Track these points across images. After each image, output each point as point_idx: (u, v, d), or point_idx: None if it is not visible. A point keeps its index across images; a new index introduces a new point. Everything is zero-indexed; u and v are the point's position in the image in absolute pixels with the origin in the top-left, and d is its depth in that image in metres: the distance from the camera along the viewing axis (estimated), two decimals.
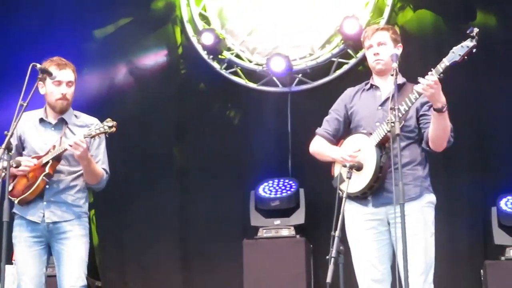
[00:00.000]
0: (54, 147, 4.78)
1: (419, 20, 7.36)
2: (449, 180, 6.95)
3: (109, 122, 4.70)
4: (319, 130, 4.72)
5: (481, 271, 6.60)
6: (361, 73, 6.90)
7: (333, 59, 7.49)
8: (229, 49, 7.69)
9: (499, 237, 6.60)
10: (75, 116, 4.95)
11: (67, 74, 4.85)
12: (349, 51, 7.38)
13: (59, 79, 4.82)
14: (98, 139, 4.80)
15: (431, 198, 4.49)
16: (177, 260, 7.52)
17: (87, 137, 4.67)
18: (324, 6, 7.51)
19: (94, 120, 4.92)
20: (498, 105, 7.02)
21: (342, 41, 7.37)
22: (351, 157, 4.41)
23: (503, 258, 6.53)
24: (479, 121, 7.09)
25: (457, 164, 7.01)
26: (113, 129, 4.68)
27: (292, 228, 6.97)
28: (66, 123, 4.89)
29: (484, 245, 6.88)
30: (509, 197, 6.66)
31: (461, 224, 6.98)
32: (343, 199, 4.28)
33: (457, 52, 4.14)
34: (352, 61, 7.40)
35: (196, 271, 7.47)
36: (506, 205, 6.63)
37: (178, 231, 7.56)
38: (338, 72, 7.48)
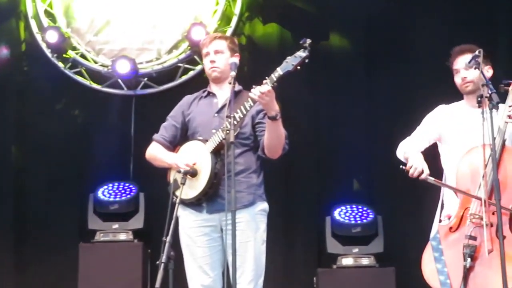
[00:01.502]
0: None
1: (266, 32, 7.50)
2: (286, 189, 7.13)
3: None
4: (155, 136, 4.72)
5: (314, 278, 6.78)
6: (206, 80, 6.93)
7: (180, 64, 7.50)
8: (74, 49, 7.54)
9: (332, 246, 6.81)
10: None
11: None
12: (196, 57, 7.41)
13: None
14: None
15: (264, 206, 4.56)
16: (11, 263, 7.25)
17: None
18: (173, 12, 7.50)
19: None
20: (335, 117, 7.26)
21: (189, 48, 7.40)
22: (185, 165, 4.42)
23: (335, 266, 6.73)
24: (317, 131, 7.31)
25: (294, 174, 7.20)
26: None
27: (131, 232, 6.90)
28: None
29: (318, 253, 7.07)
30: (342, 207, 6.88)
31: (296, 232, 7.16)
32: (176, 205, 4.31)
33: (290, 62, 4.25)
34: (198, 68, 7.42)
35: (30, 274, 7.23)
36: (340, 215, 6.85)
37: (12, 233, 7.30)
38: (184, 77, 7.50)
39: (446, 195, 4.71)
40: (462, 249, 4.23)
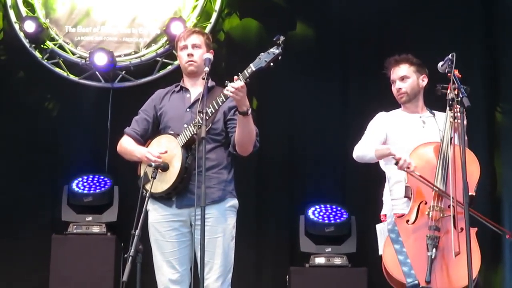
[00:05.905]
0: None
1: (244, 27, 7.54)
2: (259, 186, 7.14)
3: None
4: (127, 130, 4.71)
5: (287, 277, 6.78)
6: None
7: (158, 58, 7.49)
8: (52, 40, 7.50)
9: (305, 244, 6.82)
10: None
11: None
12: (174, 52, 7.36)
13: None
14: None
15: (233, 202, 4.55)
16: None
17: None
18: (153, 5, 7.50)
19: None
20: (310, 115, 7.28)
21: (168, 42, 7.39)
22: (156, 157, 4.41)
23: (307, 265, 6.74)
24: (291, 129, 7.32)
25: (268, 171, 7.21)
26: None
27: (104, 225, 6.88)
28: None
29: (291, 251, 7.08)
30: (316, 207, 6.89)
31: (269, 230, 7.16)
32: (146, 199, 4.30)
33: (263, 58, 4.25)
34: (176, 63, 7.39)
35: (1, 265, 7.19)
36: (314, 214, 6.86)
37: None
38: (162, 72, 7.50)
39: (385, 195, 4.81)
40: (424, 240, 4.37)
